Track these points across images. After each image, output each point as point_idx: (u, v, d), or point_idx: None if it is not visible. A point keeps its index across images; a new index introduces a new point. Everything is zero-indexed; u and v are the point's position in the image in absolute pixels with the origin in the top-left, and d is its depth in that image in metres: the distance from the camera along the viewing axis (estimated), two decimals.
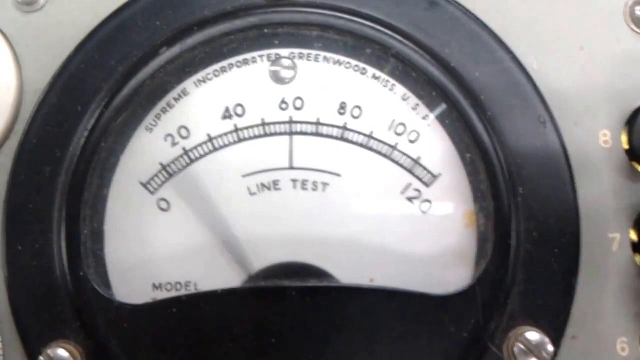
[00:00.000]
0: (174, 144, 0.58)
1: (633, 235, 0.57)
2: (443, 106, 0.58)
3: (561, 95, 0.58)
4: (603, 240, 0.57)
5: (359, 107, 0.58)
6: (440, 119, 0.58)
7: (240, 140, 0.58)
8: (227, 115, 0.59)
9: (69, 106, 0.58)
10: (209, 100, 0.59)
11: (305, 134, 0.58)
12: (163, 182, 0.58)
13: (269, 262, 0.57)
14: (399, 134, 0.58)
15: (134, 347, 0.55)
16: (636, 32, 0.59)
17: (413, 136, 0.58)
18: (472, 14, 0.59)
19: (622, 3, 0.59)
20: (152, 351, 0.55)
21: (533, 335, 0.54)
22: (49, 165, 0.57)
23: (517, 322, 0.55)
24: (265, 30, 0.59)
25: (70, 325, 0.56)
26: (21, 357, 0.57)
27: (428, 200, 0.58)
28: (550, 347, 0.54)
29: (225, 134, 0.58)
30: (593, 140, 0.58)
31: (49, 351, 0.55)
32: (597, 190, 0.57)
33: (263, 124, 0.58)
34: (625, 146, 0.58)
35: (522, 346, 0.54)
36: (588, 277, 0.57)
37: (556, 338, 0.55)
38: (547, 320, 0.55)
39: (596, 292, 0.57)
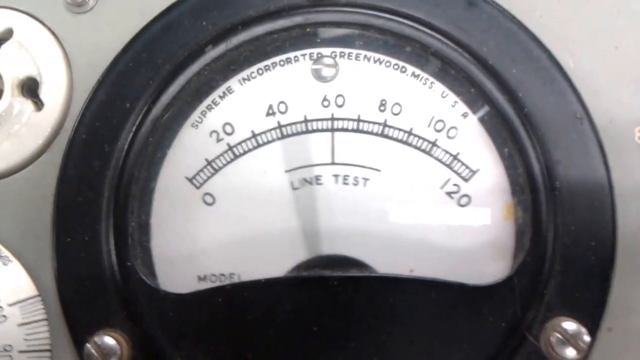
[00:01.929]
0: (219, 140, 0.60)
1: None
2: (482, 103, 0.59)
3: (597, 92, 0.59)
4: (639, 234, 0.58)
5: (399, 104, 0.59)
6: (479, 115, 0.59)
7: (283, 136, 0.60)
8: (270, 112, 0.60)
9: (117, 103, 0.59)
10: (253, 97, 0.60)
11: (347, 130, 0.59)
12: (208, 177, 0.59)
13: (312, 255, 0.58)
14: (438, 131, 0.59)
15: (179, 336, 0.56)
16: None
17: (452, 132, 0.59)
18: (510, 13, 0.60)
19: None
20: (197, 339, 0.56)
21: (570, 325, 0.55)
22: (98, 160, 0.59)
23: (555, 312, 0.56)
24: (308, 30, 0.60)
25: (117, 314, 0.57)
26: (68, 344, 0.58)
27: (467, 195, 0.59)
28: (587, 338, 0.55)
29: (269, 130, 0.60)
30: (629, 137, 0.59)
31: (96, 339, 0.56)
32: (634, 185, 0.58)
33: (305, 120, 0.60)
34: None
35: (559, 336, 0.55)
36: (624, 269, 0.57)
37: (592, 329, 0.56)
38: (584, 311, 0.56)
39: (632, 285, 0.57)
